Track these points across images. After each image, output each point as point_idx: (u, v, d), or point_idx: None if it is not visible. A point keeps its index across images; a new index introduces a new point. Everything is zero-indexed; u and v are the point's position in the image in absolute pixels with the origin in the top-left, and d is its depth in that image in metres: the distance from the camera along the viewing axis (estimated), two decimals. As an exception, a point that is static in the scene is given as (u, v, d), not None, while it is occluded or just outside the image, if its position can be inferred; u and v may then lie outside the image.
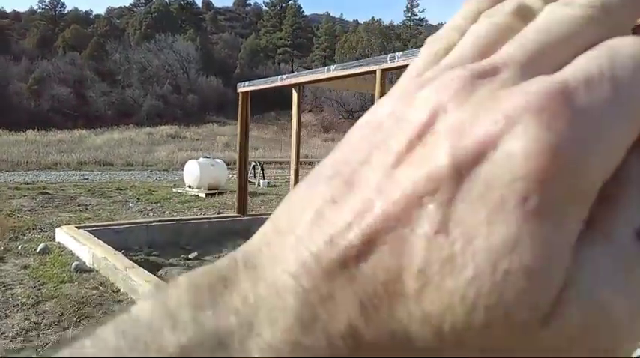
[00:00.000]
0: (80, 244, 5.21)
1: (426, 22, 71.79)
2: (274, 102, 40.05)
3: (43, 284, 4.30)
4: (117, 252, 4.82)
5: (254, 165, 14.99)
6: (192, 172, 11.21)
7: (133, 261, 4.61)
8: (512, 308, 0.13)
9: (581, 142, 0.13)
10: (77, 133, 35.15)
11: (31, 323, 3.52)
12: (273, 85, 7.42)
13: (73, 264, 4.73)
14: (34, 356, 3.05)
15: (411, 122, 0.15)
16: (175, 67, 52.09)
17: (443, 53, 0.17)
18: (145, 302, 0.16)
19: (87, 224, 6.55)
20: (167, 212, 8.77)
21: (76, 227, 6.02)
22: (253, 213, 7.98)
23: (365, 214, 0.14)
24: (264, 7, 79.64)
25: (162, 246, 6.06)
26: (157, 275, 4.29)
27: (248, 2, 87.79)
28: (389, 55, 5.50)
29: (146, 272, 4.19)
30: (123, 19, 73.93)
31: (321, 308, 0.14)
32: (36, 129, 34.29)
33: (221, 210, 8.69)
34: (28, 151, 23.97)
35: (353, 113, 46.72)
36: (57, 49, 57.57)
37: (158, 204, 9.69)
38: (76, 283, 4.32)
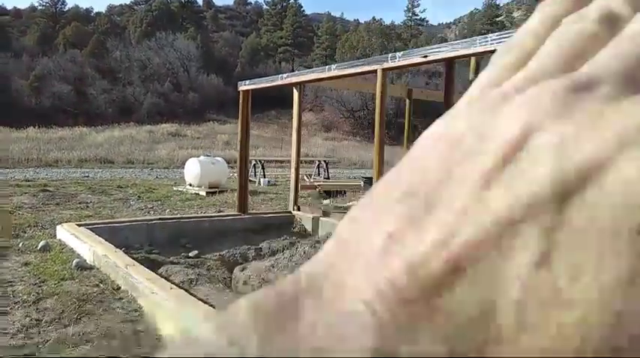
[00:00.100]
0: (81, 242, 5.22)
1: (427, 21, 71.76)
2: (275, 101, 40.00)
3: (43, 282, 4.31)
4: (117, 249, 4.84)
5: (255, 164, 15.02)
6: (193, 170, 11.23)
7: (133, 258, 4.62)
8: (624, 355, 0.11)
9: None
10: (78, 131, 35.13)
11: (31, 320, 3.53)
12: (274, 83, 7.43)
13: (74, 262, 4.74)
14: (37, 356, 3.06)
15: (500, 138, 0.13)
16: (176, 65, 52.02)
17: (519, 62, 0.16)
18: (207, 326, 0.15)
19: (88, 221, 6.56)
20: (168, 210, 8.78)
21: (77, 224, 6.04)
22: (254, 211, 8.00)
23: (450, 240, 0.13)
24: (264, 6, 79.65)
25: (163, 244, 6.07)
26: (157, 273, 4.30)
27: (249, 1, 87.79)
28: (389, 55, 5.52)
29: (147, 270, 4.20)
30: (123, 16, 73.94)
31: (402, 345, 0.13)
32: (37, 127, 34.27)
33: (222, 209, 8.69)
34: (28, 148, 23.98)
35: (353, 112, 46.71)
36: (57, 46, 57.53)
37: (159, 202, 9.70)
38: (76, 280, 4.33)
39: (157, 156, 25.70)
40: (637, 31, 0.14)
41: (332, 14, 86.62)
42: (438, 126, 0.16)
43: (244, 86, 7.61)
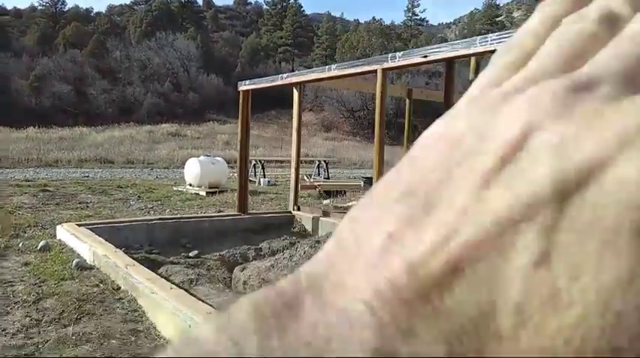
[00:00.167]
0: (81, 241, 5.22)
1: (427, 21, 71.81)
2: (275, 101, 40.01)
3: (43, 282, 4.31)
4: (117, 249, 4.83)
5: (255, 164, 15.02)
6: (193, 170, 11.23)
7: (133, 258, 4.62)
8: (624, 355, 0.11)
9: None
10: (78, 131, 35.14)
11: (31, 320, 3.53)
12: (274, 83, 7.43)
13: (74, 262, 4.74)
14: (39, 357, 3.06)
15: (499, 138, 0.13)
16: (176, 65, 52.03)
17: (519, 62, 0.16)
18: (207, 326, 0.15)
19: (88, 221, 6.56)
20: (168, 210, 8.78)
21: (77, 224, 6.04)
22: (254, 211, 8.00)
23: (449, 240, 0.13)
24: (264, 6, 79.67)
25: (163, 244, 6.07)
26: (157, 273, 4.30)
27: (249, 1, 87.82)
28: (389, 55, 5.52)
29: (147, 270, 4.19)
30: (123, 16, 73.97)
31: (402, 345, 0.13)
32: (37, 127, 34.28)
33: (222, 209, 8.69)
34: (28, 148, 24.00)
35: (353, 112, 46.71)
36: (57, 46, 57.53)
37: (159, 202, 9.70)
38: (76, 280, 4.33)
39: (157, 156, 25.71)
40: (637, 31, 0.14)
41: (332, 14, 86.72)
42: (438, 126, 0.16)
43: (244, 86, 7.61)
